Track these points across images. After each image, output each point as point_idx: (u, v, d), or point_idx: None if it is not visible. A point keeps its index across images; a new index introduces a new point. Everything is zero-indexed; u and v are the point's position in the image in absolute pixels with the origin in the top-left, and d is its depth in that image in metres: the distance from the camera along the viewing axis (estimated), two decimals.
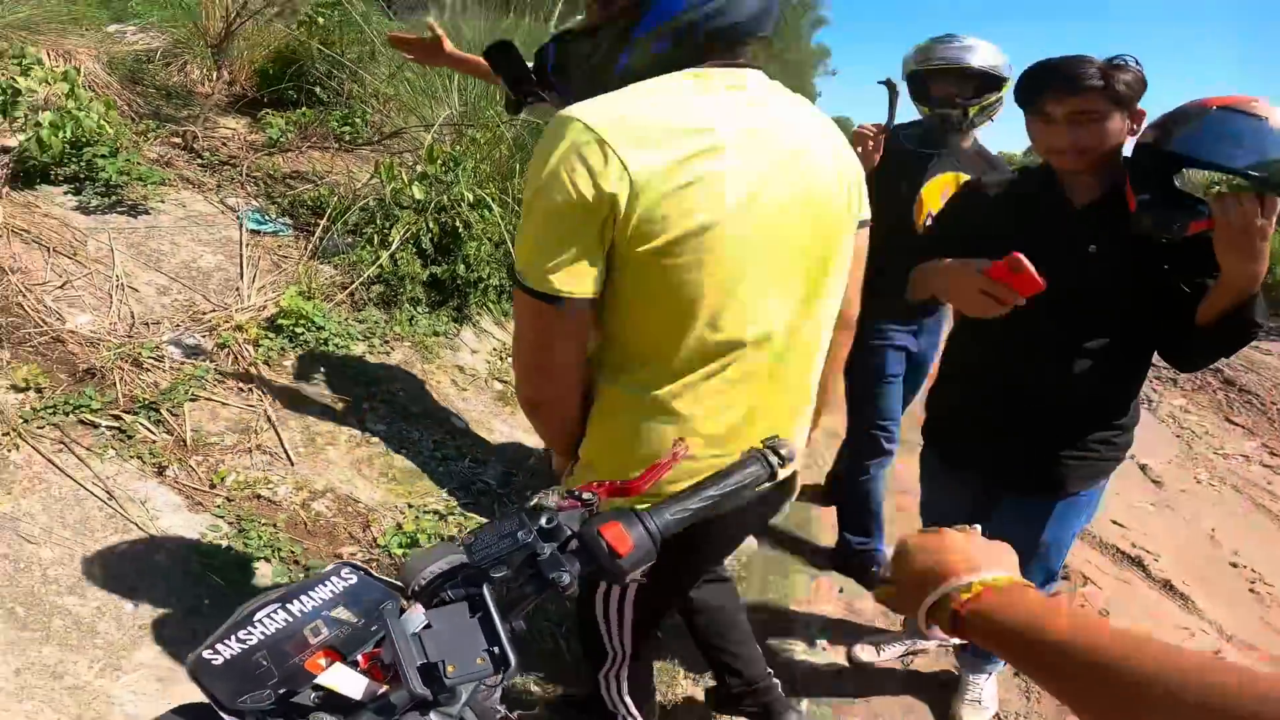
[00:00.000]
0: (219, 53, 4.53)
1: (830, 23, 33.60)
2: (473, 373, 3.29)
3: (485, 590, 0.64)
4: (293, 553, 2.09)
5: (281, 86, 4.32)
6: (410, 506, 2.48)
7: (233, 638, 0.65)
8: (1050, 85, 1.41)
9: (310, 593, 0.68)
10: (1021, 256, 1.21)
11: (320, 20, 4.32)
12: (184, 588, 1.90)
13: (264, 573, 2.01)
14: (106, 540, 1.93)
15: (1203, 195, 1.27)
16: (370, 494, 2.48)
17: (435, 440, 2.83)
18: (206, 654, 0.64)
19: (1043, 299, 1.26)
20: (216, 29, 4.46)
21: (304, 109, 4.19)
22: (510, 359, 3.44)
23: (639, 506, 0.76)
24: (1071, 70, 1.39)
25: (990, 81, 2.26)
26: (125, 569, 1.87)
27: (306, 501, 2.33)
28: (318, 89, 4.30)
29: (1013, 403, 1.60)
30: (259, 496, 2.28)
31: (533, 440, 3.02)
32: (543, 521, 0.69)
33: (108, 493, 2.05)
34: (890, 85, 2.33)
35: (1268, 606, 2.92)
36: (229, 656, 0.64)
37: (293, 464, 2.46)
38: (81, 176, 3.13)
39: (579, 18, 2.06)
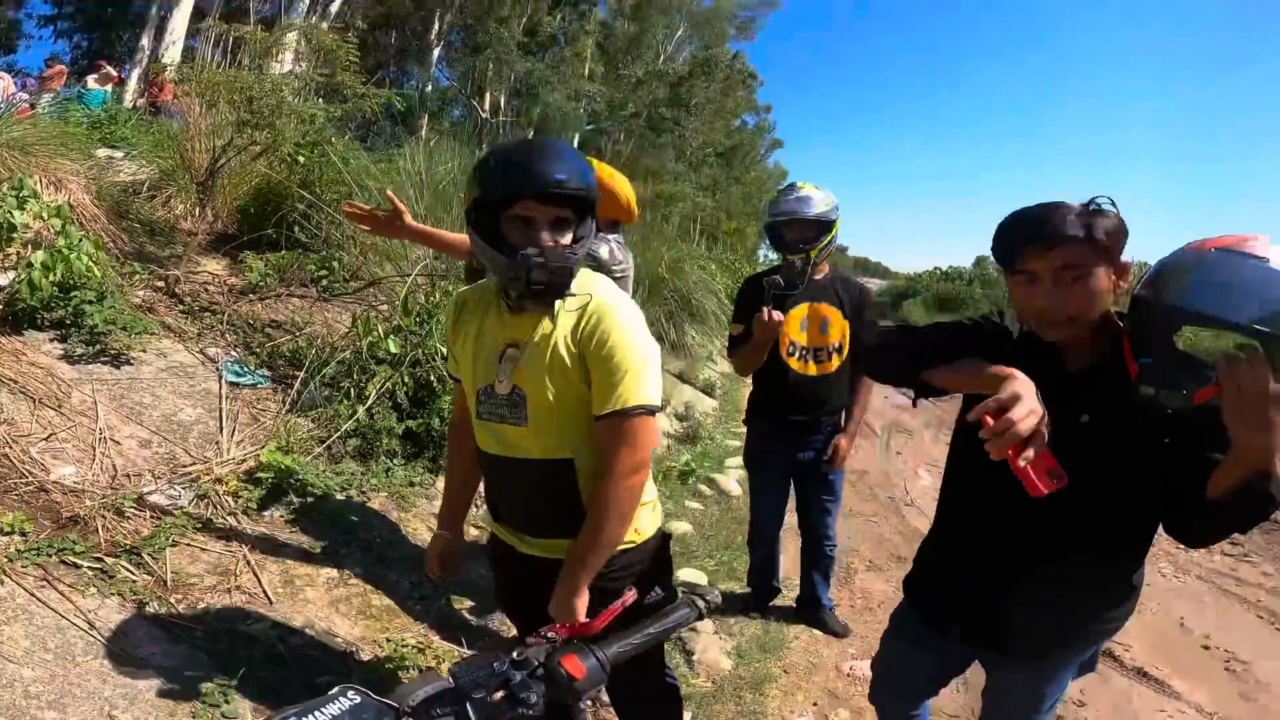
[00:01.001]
0: (203, 189, 4.72)
1: (784, 145, 37.20)
2: None
3: (468, 707, 0.82)
4: (270, 682, 2.06)
5: (263, 230, 4.48)
6: (389, 640, 2.47)
7: None
8: (1028, 237, 1.27)
9: (321, 709, 0.78)
10: (1025, 467, 1.07)
11: (300, 160, 4.56)
12: (163, 711, 1.86)
13: (241, 704, 1.97)
14: (88, 664, 1.90)
15: (1208, 358, 1.13)
16: (349, 630, 2.48)
17: (412, 581, 2.84)
18: None
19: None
20: (201, 162, 4.68)
21: (283, 251, 4.37)
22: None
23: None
24: (1050, 217, 1.25)
25: (826, 226, 2.73)
26: (106, 690, 1.83)
27: (285, 636, 2.32)
28: (297, 230, 4.50)
29: (1012, 575, 1.45)
30: (237, 632, 2.26)
31: None
32: (514, 655, 0.88)
33: (89, 624, 2.03)
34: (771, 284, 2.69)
35: (1245, 682, 3.00)
36: None
37: (271, 603, 2.45)
38: (68, 322, 3.25)
39: None
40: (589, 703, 2.49)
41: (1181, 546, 4.23)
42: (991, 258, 1.40)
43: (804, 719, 2.67)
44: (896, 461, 6.24)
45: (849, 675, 2.93)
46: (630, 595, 1.07)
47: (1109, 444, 1.30)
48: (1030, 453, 1.06)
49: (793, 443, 2.96)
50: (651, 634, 0.98)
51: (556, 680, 0.87)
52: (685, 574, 3.51)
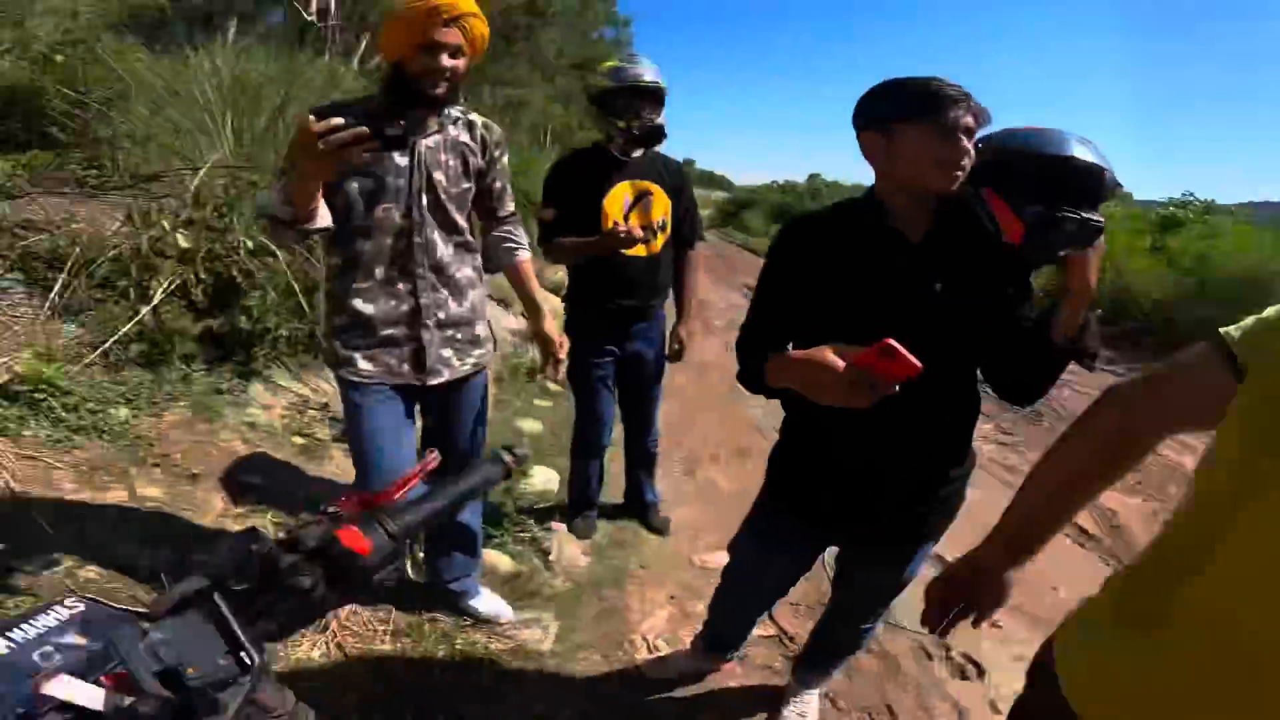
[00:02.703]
0: None
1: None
2: (267, 429, 2.93)
3: (216, 597, 0.62)
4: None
5: (8, 128, 3.78)
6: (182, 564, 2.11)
7: None
8: (956, 100, 1.27)
9: (31, 621, 0.59)
10: (894, 343, 1.01)
11: (59, 58, 3.86)
12: None
13: None
14: None
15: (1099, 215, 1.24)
16: (143, 557, 2.08)
17: (225, 499, 2.46)
18: None
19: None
20: None
21: (35, 150, 3.67)
22: (309, 411, 3.15)
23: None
24: (961, 89, 1.29)
25: (661, 99, 2.55)
26: None
27: (69, 569, 1.91)
28: (54, 130, 3.79)
29: (874, 457, 1.48)
30: (10, 568, 1.83)
31: (341, 490, 2.75)
32: (281, 534, 0.69)
33: None
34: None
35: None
36: None
37: (50, 531, 2.01)
38: None
39: None
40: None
41: None
42: (876, 113, 1.36)
43: (662, 611, 2.62)
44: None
45: (702, 568, 2.91)
46: (432, 457, 0.87)
47: (961, 307, 1.37)
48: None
49: (621, 333, 2.72)
50: (451, 495, 0.82)
51: (336, 559, 0.68)
52: (538, 473, 3.35)
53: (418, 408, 1.99)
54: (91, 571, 1.94)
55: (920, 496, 1.53)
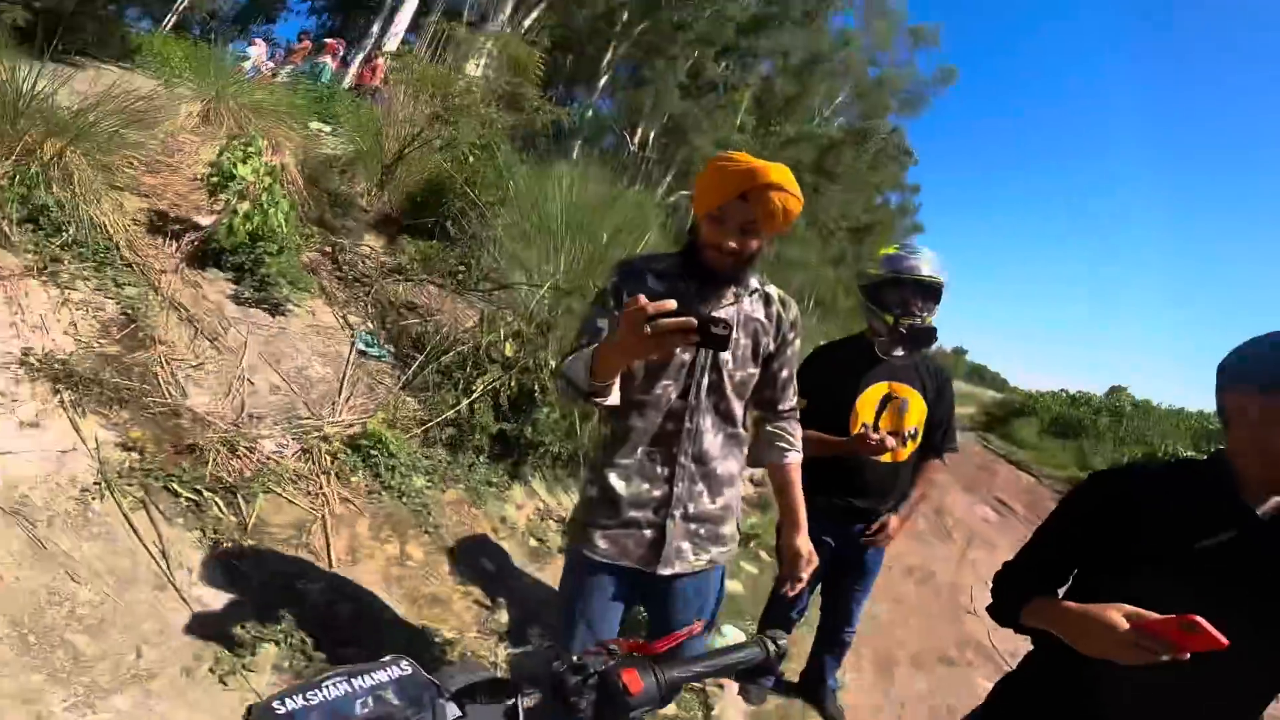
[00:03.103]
0: (386, 172, 5.23)
1: (924, 230, 34.75)
2: (513, 525, 3.47)
3: (519, 699, 0.82)
4: (303, 641, 2.23)
5: (423, 218, 4.92)
6: (425, 627, 2.60)
7: (300, 696, 0.77)
8: None
9: (371, 674, 0.81)
10: (1200, 620, 0.98)
11: (470, 159, 4.93)
12: (190, 652, 2.07)
13: (268, 656, 2.15)
14: (141, 594, 2.15)
15: None
16: (395, 608, 2.63)
17: (464, 577, 2.98)
18: (274, 704, 0.76)
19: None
20: (391, 148, 5.21)
21: (435, 241, 4.75)
22: (548, 520, 3.63)
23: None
24: None
25: (939, 294, 2.43)
26: (144, 624, 2.06)
27: (332, 603, 2.50)
28: (450, 224, 4.87)
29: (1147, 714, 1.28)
30: (292, 588, 2.47)
31: (551, 596, 3.14)
32: (574, 658, 0.87)
33: (162, 552, 2.30)
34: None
35: None
36: (290, 710, 0.75)
37: (332, 566, 2.65)
38: (246, 268, 3.68)
39: None
40: None
41: None
42: (1231, 377, 1.23)
43: None
44: (969, 570, 5.79)
45: None
46: (697, 625, 1.07)
47: None
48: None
49: (843, 531, 2.63)
50: (715, 665, 0.94)
51: (611, 691, 0.83)
52: (727, 630, 3.44)
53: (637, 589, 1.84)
54: (345, 609, 2.51)
55: None
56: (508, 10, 14.98)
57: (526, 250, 4.78)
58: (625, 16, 18.57)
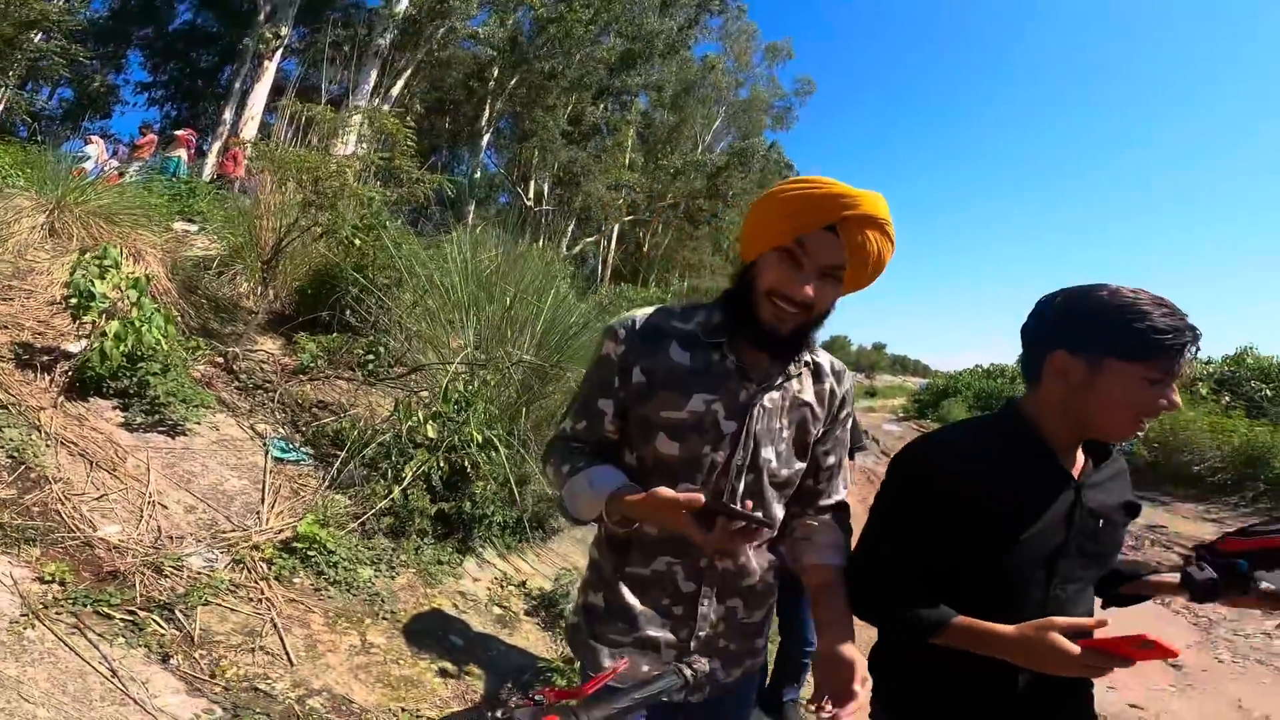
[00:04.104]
0: (267, 268, 4.98)
1: None
2: (473, 598, 3.34)
3: None
4: None
5: (317, 312, 4.72)
6: (404, 710, 2.44)
7: None
8: (1188, 343, 1.17)
9: None
10: (1154, 637, 1.01)
11: (356, 243, 4.76)
12: None
13: None
14: (103, 711, 1.93)
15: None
16: (365, 697, 2.46)
17: (433, 654, 2.82)
18: None
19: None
20: (267, 241, 4.95)
21: (334, 334, 4.57)
22: (508, 587, 3.52)
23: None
24: (1195, 326, 1.19)
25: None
26: None
27: (302, 698, 2.32)
28: (348, 313, 4.70)
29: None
30: (256, 689, 2.27)
31: (523, 659, 3.02)
32: (498, 714, 0.88)
33: (112, 671, 2.08)
34: None
35: None
36: None
37: (293, 664, 2.47)
38: (131, 392, 3.44)
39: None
40: None
41: (1241, 632, 4.02)
42: (1097, 340, 1.21)
43: None
44: None
45: None
46: (622, 664, 1.07)
47: (1110, 546, 1.36)
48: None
49: None
50: (637, 699, 0.97)
51: None
52: None
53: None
54: (317, 702, 2.33)
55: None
56: (370, 83, 14.93)
57: (433, 328, 4.71)
58: (495, 72, 18.92)
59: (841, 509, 1.43)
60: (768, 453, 1.30)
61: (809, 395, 1.35)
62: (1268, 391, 12.66)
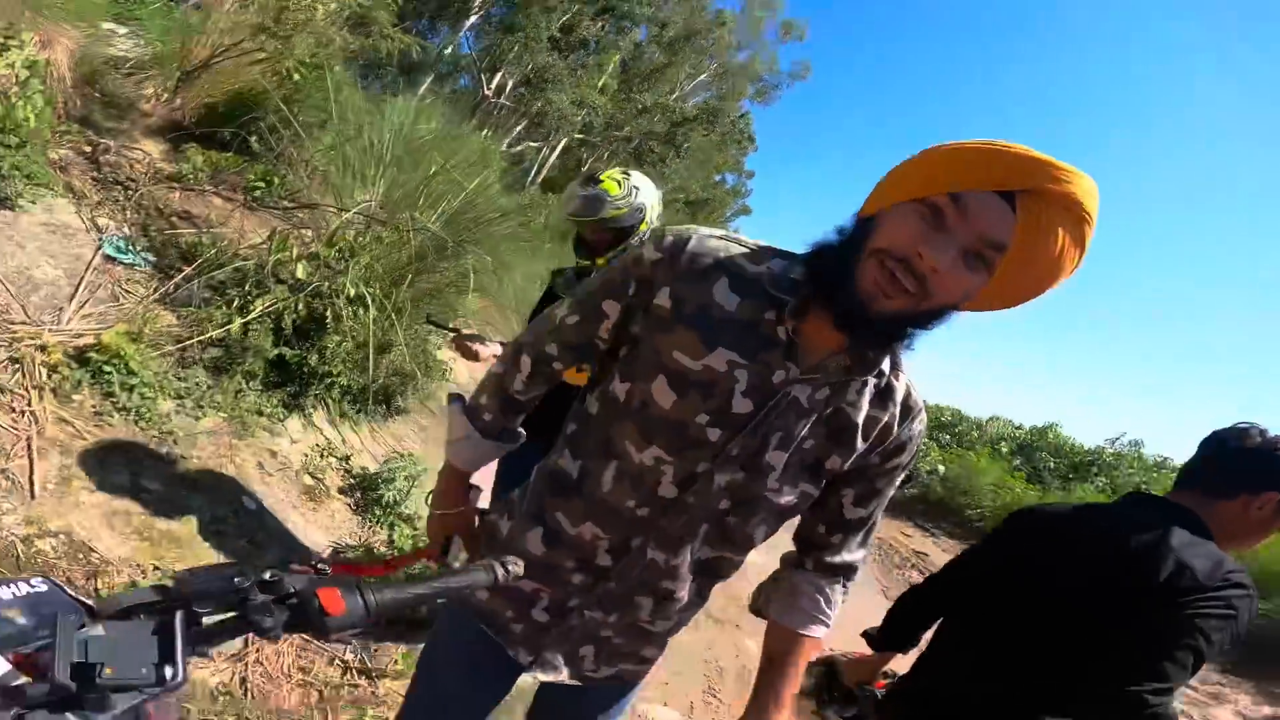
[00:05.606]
0: (186, 78, 4.47)
1: (751, 213, 37.26)
2: (284, 461, 3.09)
3: (177, 616, 0.65)
4: None
5: (223, 128, 4.28)
6: (157, 569, 2.22)
7: None
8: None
9: None
10: None
11: (296, 77, 4.35)
12: None
13: None
14: None
15: None
16: (114, 548, 2.21)
17: (215, 513, 2.59)
18: None
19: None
20: (198, 56, 4.46)
21: (231, 154, 4.14)
22: (329, 458, 3.29)
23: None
24: None
25: (623, 231, 2.23)
26: None
27: (30, 536, 2.06)
28: (255, 140, 4.26)
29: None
30: None
31: (325, 539, 2.83)
32: (265, 575, 0.72)
33: None
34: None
35: None
36: None
37: (34, 497, 2.19)
38: None
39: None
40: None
41: None
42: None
43: None
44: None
45: None
46: (427, 554, 1.02)
47: None
48: None
49: None
50: (436, 587, 0.83)
51: (306, 611, 0.71)
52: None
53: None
54: (48, 544, 2.08)
55: None
56: None
57: (342, 175, 4.27)
58: None
59: (845, 571, 1.16)
60: (774, 457, 1.00)
61: (859, 415, 1.01)
62: (1052, 464, 14.07)
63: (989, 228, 0.83)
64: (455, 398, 1.29)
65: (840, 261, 0.91)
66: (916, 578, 7.10)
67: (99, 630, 0.62)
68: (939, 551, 8.77)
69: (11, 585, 0.67)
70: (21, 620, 0.64)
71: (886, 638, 1.72)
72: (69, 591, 0.69)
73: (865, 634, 1.79)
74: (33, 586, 0.68)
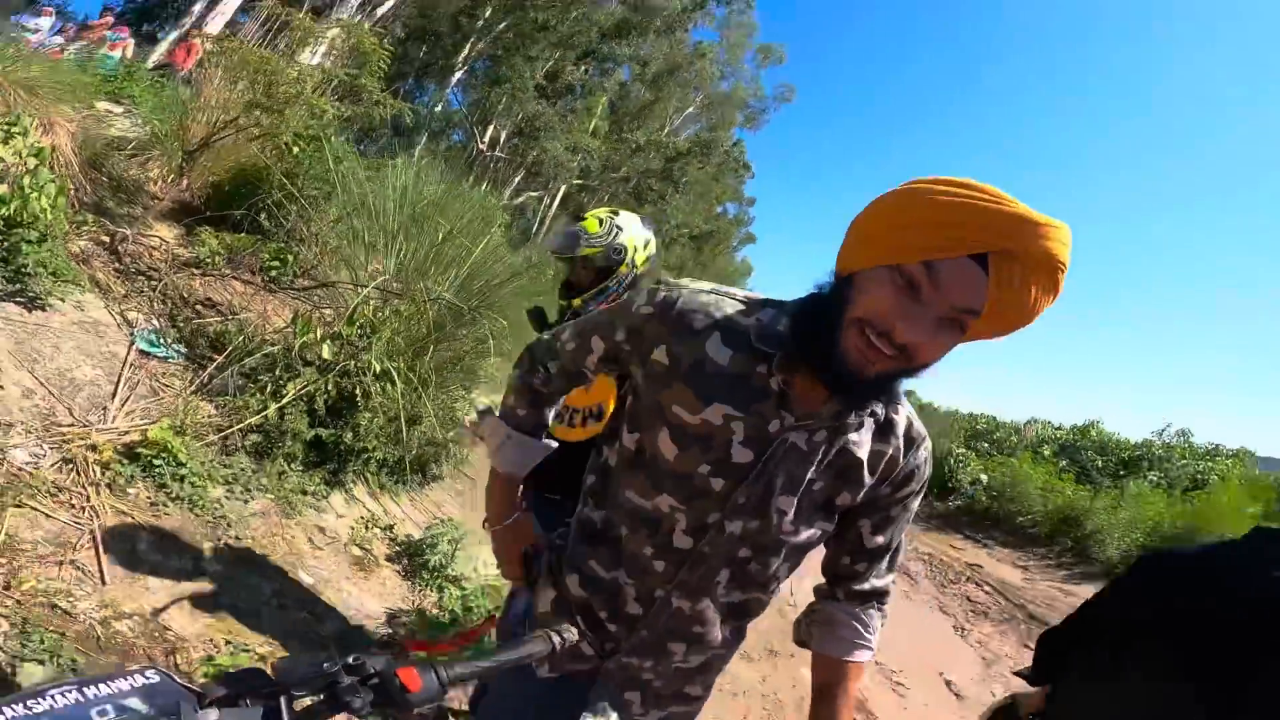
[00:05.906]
0: (188, 158, 4.58)
1: (756, 241, 37.71)
2: (333, 535, 3.14)
3: (282, 701, 0.73)
4: (74, 661, 1.84)
5: (231, 209, 4.35)
6: (229, 643, 2.25)
7: (20, 704, 0.64)
8: None
9: (109, 682, 0.69)
10: None
11: (295, 150, 4.44)
12: None
13: (34, 676, 1.76)
14: None
15: None
16: (186, 626, 2.25)
17: (275, 589, 2.63)
18: None
19: None
20: (197, 133, 4.57)
21: (243, 235, 4.23)
22: (374, 529, 3.34)
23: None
24: None
25: (603, 272, 2.24)
26: None
27: (107, 619, 2.10)
28: (264, 217, 4.35)
29: None
30: (55, 606, 2.04)
31: (379, 605, 2.85)
32: (350, 659, 0.80)
33: None
34: None
35: None
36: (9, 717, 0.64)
37: (105, 584, 2.23)
38: (1, 256, 3.10)
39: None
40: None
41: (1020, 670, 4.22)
42: None
43: None
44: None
45: None
46: (489, 625, 1.02)
47: None
48: None
49: None
50: (499, 660, 0.91)
51: (389, 690, 0.79)
52: None
53: None
54: (125, 625, 2.12)
55: None
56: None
57: (353, 248, 4.37)
58: (488, 12, 18.30)
59: (877, 596, 1.20)
60: (783, 502, 1.05)
61: (862, 452, 1.06)
62: (1099, 462, 13.65)
63: (962, 297, 0.88)
64: (484, 411, 1.35)
65: (824, 327, 0.95)
66: (973, 590, 7.07)
67: (213, 716, 0.69)
68: (993, 561, 8.63)
69: (128, 677, 0.71)
70: (144, 709, 0.68)
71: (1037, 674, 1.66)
72: (178, 680, 0.73)
73: (1017, 673, 1.78)
74: (147, 678, 0.72)
